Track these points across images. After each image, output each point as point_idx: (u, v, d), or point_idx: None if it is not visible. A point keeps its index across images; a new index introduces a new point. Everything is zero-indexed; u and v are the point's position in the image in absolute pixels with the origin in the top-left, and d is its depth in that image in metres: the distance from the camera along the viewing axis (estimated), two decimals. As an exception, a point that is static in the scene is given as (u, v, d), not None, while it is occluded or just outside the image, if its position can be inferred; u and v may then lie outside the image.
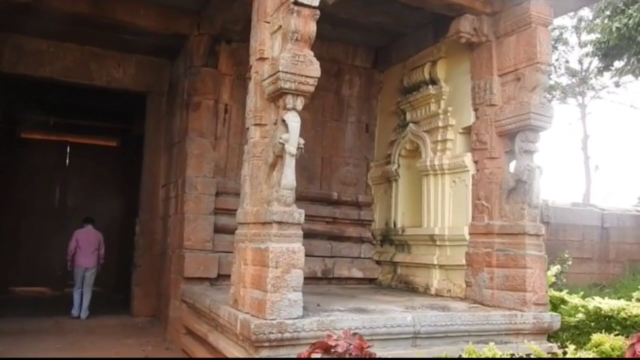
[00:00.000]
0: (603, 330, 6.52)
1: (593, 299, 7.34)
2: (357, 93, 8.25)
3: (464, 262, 6.24)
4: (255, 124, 4.90)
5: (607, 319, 6.54)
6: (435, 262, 6.65)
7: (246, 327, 4.32)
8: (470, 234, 6.22)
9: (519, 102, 5.83)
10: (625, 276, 14.58)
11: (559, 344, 5.74)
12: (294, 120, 4.52)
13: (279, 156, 4.61)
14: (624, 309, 6.50)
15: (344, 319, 4.54)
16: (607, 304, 6.76)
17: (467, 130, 6.56)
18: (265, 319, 4.27)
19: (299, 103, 4.57)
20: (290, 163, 4.50)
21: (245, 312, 4.63)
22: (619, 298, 8.11)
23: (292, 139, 4.48)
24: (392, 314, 4.86)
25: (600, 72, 11.49)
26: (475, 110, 6.40)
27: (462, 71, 6.70)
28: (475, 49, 6.43)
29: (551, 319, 5.52)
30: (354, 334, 3.27)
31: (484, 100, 6.26)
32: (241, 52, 7.26)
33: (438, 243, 6.65)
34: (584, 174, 20.65)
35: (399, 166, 7.52)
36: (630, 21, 7.29)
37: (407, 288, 7.04)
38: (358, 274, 7.78)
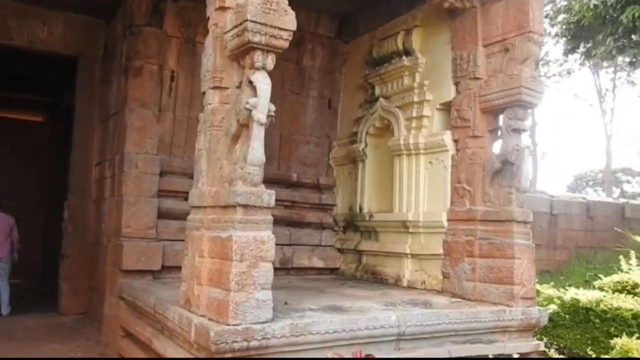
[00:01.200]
0: (581, 324, 6.16)
1: (566, 289, 6.99)
2: (320, 65, 7.47)
3: (440, 251, 5.65)
4: (214, 87, 4.04)
5: (585, 312, 6.16)
6: (408, 251, 6.03)
7: (204, 334, 3.51)
8: (449, 220, 5.63)
9: (507, 75, 5.24)
10: (572, 263, 14.70)
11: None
12: (263, 82, 3.71)
13: (244, 125, 3.80)
14: (602, 300, 6.14)
15: (320, 322, 3.81)
16: (584, 295, 6.40)
17: (446, 107, 5.94)
18: (228, 324, 3.48)
19: (270, 61, 3.77)
20: (258, 134, 3.69)
21: (200, 314, 3.81)
22: (577, 286, 7.85)
23: (262, 104, 3.67)
24: (373, 312, 4.17)
25: (566, 54, 11.26)
26: (456, 84, 5.78)
27: (441, 41, 6.06)
28: (458, 16, 5.79)
29: (539, 314, 5.02)
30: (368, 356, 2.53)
31: (466, 73, 5.64)
32: (190, 12, 6.36)
33: (411, 230, 6.02)
34: (532, 161, 20.86)
35: (366, 145, 6.83)
36: (610, -1, 6.90)
37: (375, 279, 6.39)
38: (319, 263, 7.07)
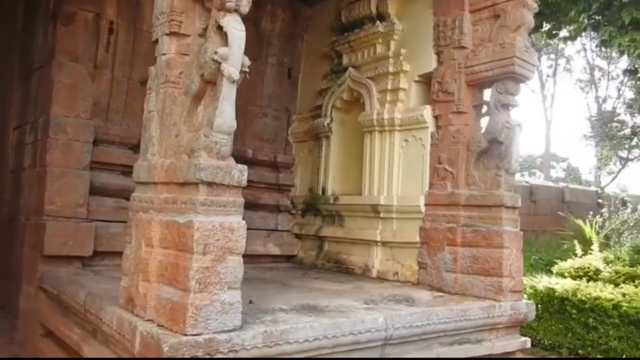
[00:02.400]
0: (555, 314, 5.82)
1: (536, 277, 6.66)
2: (280, 29, 6.68)
3: (416, 239, 5.09)
4: (170, 33, 3.21)
5: (560, 302, 5.81)
6: (378, 239, 5.43)
7: (153, 346, 2.75)
8: (427, 205, 5.07)
9: (498, 44, 4.70)
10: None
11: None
12: (236, 28, 2.94)
13: (210, 82, 3.01)
14: (578, 289, 5.81)
15: (299, 328, 3.12)
16: (559, 284, 6.05)
17: (426, 79, 5.35)
18: (186, 334, 2.73)
19: (245, 2, 2.98)
20: (229, 93, 2.92)
21: (148, 319, 3.03)
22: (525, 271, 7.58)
23: (234, 55, 2.90)
24: (357, 314, 3.53)
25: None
26: (438, 53, 5.18)
27: (422, 5, 5.44)
28: (442, -23, 5.17)
29: (527, 308, 4.56)
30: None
31: (450, 41, 5.05)
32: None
33: (382, 215, 5.42)
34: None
35: (331, 120, 6.15)
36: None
37: (339, 269, 5.77)
38: (275, 250, 6.37)
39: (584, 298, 5.58)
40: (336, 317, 3.40)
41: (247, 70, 3.03)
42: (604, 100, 21.83)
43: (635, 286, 5.87)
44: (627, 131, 19.82)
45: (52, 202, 4.92)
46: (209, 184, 2.85)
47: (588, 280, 6.86)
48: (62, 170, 4.91)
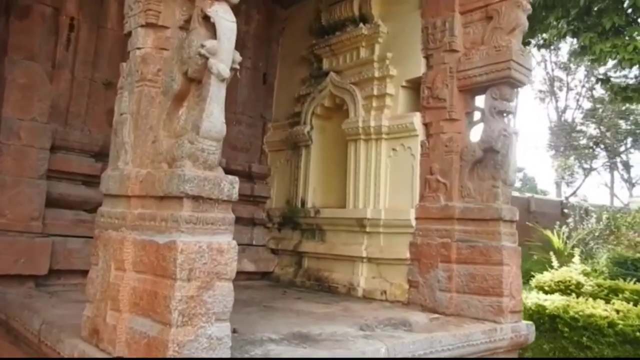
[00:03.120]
0: (545, 333, 5.58)
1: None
2: (255, 31, 6.30)
3: (406, 255, 4.75)
4: (147, 25, 2.79)
5: (552, 320, 5.58)
6: (363, 255, 5.07)
7: (128, 392, 2.29)
8: (418, 218, 4.75)
9: (493, 47, 4.44)
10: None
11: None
12: (226, 18, 2.55)
13: (195, 80, 2.61)
14: (569, 306, 5.59)
15: (297, 363, 2.72)
16: (548, 300, 5.82)
17: (414, 84, 5.05)
18: (167, 377, 2.29)
19: (236, -12, 2.60)
20: (217, 93, 2.52)
21: (117, 356, 2.58)
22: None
23: (224, 49, 2.51)
24: (356, 344, 3.14)
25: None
26: (427, 57, 4.90)
27: (408, 7, 5.15)
28: (430, -23, 4.91)
29: (527, 330, 4.28)
30: None
31: (440, 44, 4.78)
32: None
33: (368, 229, 5.07)
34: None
35: (312, 128, 5.78)
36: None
37: (320, 287, 5.37)
38: (250, 266, 5.92)
39: (576, 316, 5.36)
40: (333, 348, 3.01)
41: (237, 67, 2.64)
42: (564, 111, 22.29)
43: (627, 300, 5.70)
44: (586, 142, 20.22)
45: (1, 215, 4.37)
46: (195, 198, 2.43)
47: (569, 294, 6.70)
48: (15, 179, 4.36)
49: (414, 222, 4.75)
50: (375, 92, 5.16)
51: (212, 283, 2.42)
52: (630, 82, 9.31)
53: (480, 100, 4.79)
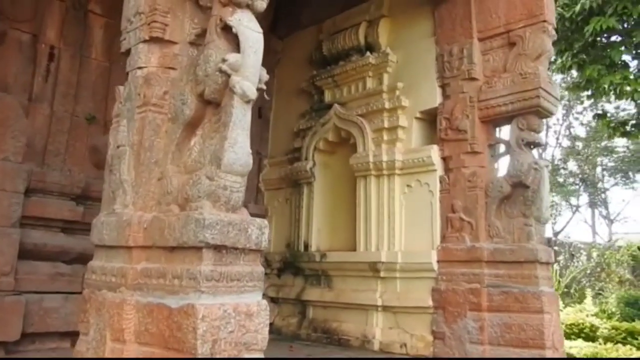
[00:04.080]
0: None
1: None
2: (248, 62, 5.87)
3: (428, 302, 4.27)
4: (151, 39, 2.33)
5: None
6: (378, 303, 4.56)
7: None
8: (440, 261, 4.29)
9: (518, 75, 4.11)
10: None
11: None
12: (252, 28, 2.12)
13: (212, 103, 2.14)
14: (597, 353, 5.12)
15: None
16: (573, 347, 5.35)
17: (429, 115, 4.69)
18: None
19: (263, -6, 2.18)
20: (242, 117, 2.06)
21: None
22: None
23: (249, 64, 2.07)
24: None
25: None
26: (444, 86, 4.55)
27: (420, 33, 4.83)
28: (443, 2, 4.61)
29: (572, 386, 3.80)
30: None
31: (458, 72, 4.43)
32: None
33: (383, 274, 4.58)
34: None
35: (314, 164, 5.32)
36: (578, 7, 6.22)
37: (329, 340, 4.82)
38: (247, 318, 5.32)
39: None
40: None
41: (264, 87, 2.19)
42: (544, 149, 22.42)
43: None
44: (572, 179, 20.21)
45: (-34, 271, 3.76)
46: (217, 248, 1.93)
47: (585, 339, 6.27)
48: (-17, 228, 3.77)
49: (435, 266, 4.29)
50: (386, 125, 4.76)
51: (240, 356, 1.90)
52: (624, 116, 9.19)
53: (501, 132, 4.45)
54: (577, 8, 6.17)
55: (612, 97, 7.22)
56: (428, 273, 4.33)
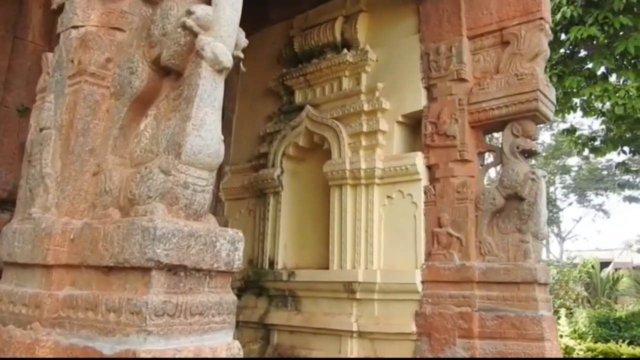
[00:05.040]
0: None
1: None
2: (210, 59, 5.32)
3: (411, 328, 3.79)
4: (90, -11, 1.76)
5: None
6: (353, 328, 4.03)
7: None
8: (425, 281, 3.82)
9: (514, 76, 3.73)
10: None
11: None
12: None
13: (171, 73, 1.60)
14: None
15: None
16: None
17: (412, 119, 4.26)
18: None
19: None
20: (212, 90, 1.52)
21: None
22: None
23: (225, 20, 1.55)
24: None
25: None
26: (430, 88, 4.12)
27: (402, 30, 4.41)
28: (430, -4, 4.20)
29: None
30: None
31: (446, 72, 4.02)
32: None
33: (359, 296, 4.07)
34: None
35: (282, 171, 4.79)
36: (559, 16, 5.97)
37: (296, 369, 4.26)
38: (203, 344, 4.70)
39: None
40: None
41: (241, 55, 1.66)
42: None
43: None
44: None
45: None
46: (173, 270, 1.38)
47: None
48: None
49: (420, 287, 3.83)
50: (364, 129, 4.28)
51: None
52: (593, 132, 9.09)
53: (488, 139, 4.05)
54: (558, 17, 5.90)
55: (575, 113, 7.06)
56: (411, 295, 3.85)
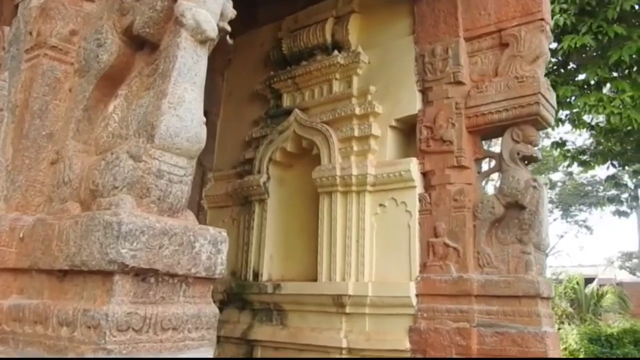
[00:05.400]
0: None
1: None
2: (194, 60, 5.09)
3: (405, 345, 3.56)
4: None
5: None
6: (343, 344, 3.78)
7: None
8: (420, 295, 3.60)
9: (514, 78, 3.56)
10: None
11: None
12: None
13: (146, 45, 1.37)
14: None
15: None
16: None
17: (406, 124, 4.06)
18: None
19: None
20: (193, 64, 1.29)
21: None
22: None
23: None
24: None
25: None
26: (425, 91, 3.94)
27: (396, 32, 4.23)
28: (425, -3, 4.03)
29: None
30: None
31: (442, 75, 3.84)
32: None
33: (349, 310, 3.83)
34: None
35: (268, 178, 4.55)
36: (552, 24, 5.85)
37: (282, 389, 3.99)
38: None
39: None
40: None
41: (228, 28, 1.44)
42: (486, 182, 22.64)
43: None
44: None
45: None
46: (141, 275, 1.14)
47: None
48: None
49: (414, 300, 3.60)
50: (356, 133, 4.07)
51: None
52: (582, 145, 9.02)
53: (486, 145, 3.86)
54: (551, 25, 5.78)
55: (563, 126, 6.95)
56: (405, 309, 3.62)
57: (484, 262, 3.50)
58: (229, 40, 5.41)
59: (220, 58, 5.35)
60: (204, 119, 1.35)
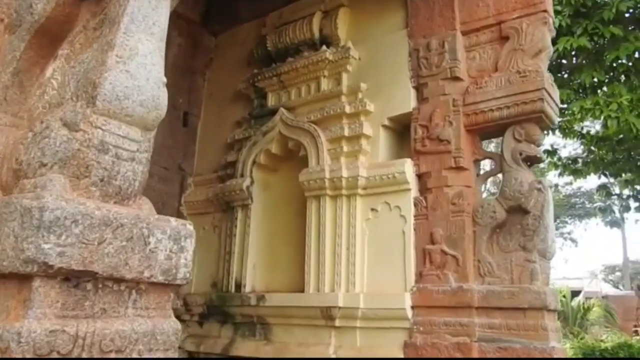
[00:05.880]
0: None
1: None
2: (174, 59, 4.79)
3: (400, 361, 3.26)
4: None
5: None
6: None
7: None
8: (416, 307, 3.31)
9: (516, 73, 3.32)
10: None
11: None
12: None
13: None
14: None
15: None
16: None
17: (399, 123, 3.81)
18: None
19: None
20: (150, 10, 0.99)
21: None
22: None
23: None
24: None
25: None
26: (420, 87, 3.69)
27: (388, 26, 4.00)
28: (419, -11, 3.80)
29: None
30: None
31: (438, 70, 3.60)
32: None
33: (338, 323, 3.53)
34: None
35: (252, 182, 4.26)
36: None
37: (265, 409, 3.67)
38: (156, 380, 4.06)
39: None
40: None
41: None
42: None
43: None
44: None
45: None
46: (72, 279, 0.83)
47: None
48: None
49: (409, 313, 3.31)
50: (346, 133, 3.81)
51: None
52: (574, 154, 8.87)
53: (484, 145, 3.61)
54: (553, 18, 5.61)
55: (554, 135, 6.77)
56: (399, 322, 3.34)
57: (485, 271, 3.23)
58: (211, 39, 5.15)
59: (201, 57, 5.09)
60: (164, 80, 1.06)
